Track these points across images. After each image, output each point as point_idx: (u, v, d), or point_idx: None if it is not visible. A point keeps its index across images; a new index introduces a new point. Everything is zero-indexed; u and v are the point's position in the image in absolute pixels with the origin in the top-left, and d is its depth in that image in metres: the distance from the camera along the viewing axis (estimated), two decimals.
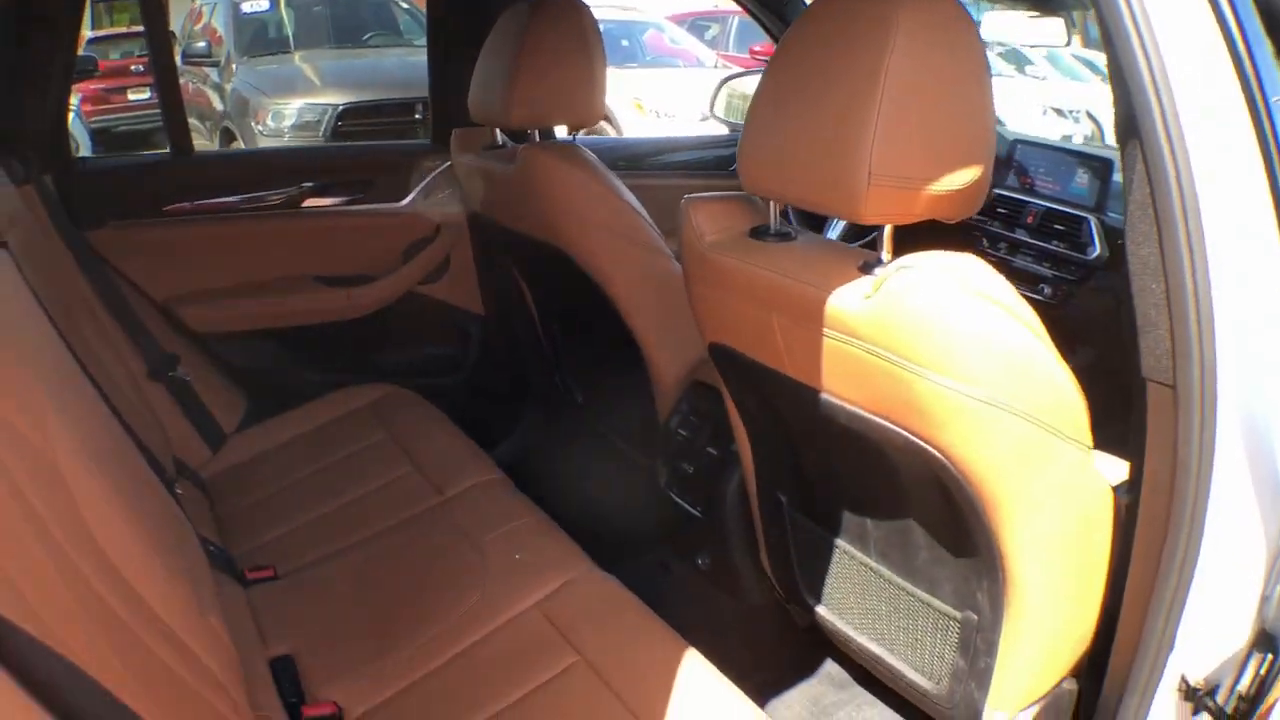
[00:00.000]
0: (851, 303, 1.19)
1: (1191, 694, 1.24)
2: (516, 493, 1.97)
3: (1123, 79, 1.05)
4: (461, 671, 1.51)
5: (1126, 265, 1.12)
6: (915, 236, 1.24)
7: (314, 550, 1.87)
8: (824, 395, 1.33)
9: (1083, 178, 2.20)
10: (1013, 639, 1.31)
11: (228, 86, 8.19)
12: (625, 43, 9.65)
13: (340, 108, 7.25)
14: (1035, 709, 1.37)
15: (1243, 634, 1.25)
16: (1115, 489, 1.27)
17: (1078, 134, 6.50)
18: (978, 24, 1.22)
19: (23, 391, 1.16)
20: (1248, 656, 1.25)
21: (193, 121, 7.06)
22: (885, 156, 1.12)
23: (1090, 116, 6.47)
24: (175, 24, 8.80)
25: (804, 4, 2.68)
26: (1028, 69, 9.57)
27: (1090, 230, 2.10)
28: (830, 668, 1.93)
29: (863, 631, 1.62)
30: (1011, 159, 2.36)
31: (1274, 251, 1.09)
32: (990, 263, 1.17)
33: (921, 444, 1.21)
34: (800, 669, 1.93)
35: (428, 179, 2.72)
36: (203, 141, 8.37)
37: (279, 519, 1.99)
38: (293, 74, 7.92)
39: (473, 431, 2.24)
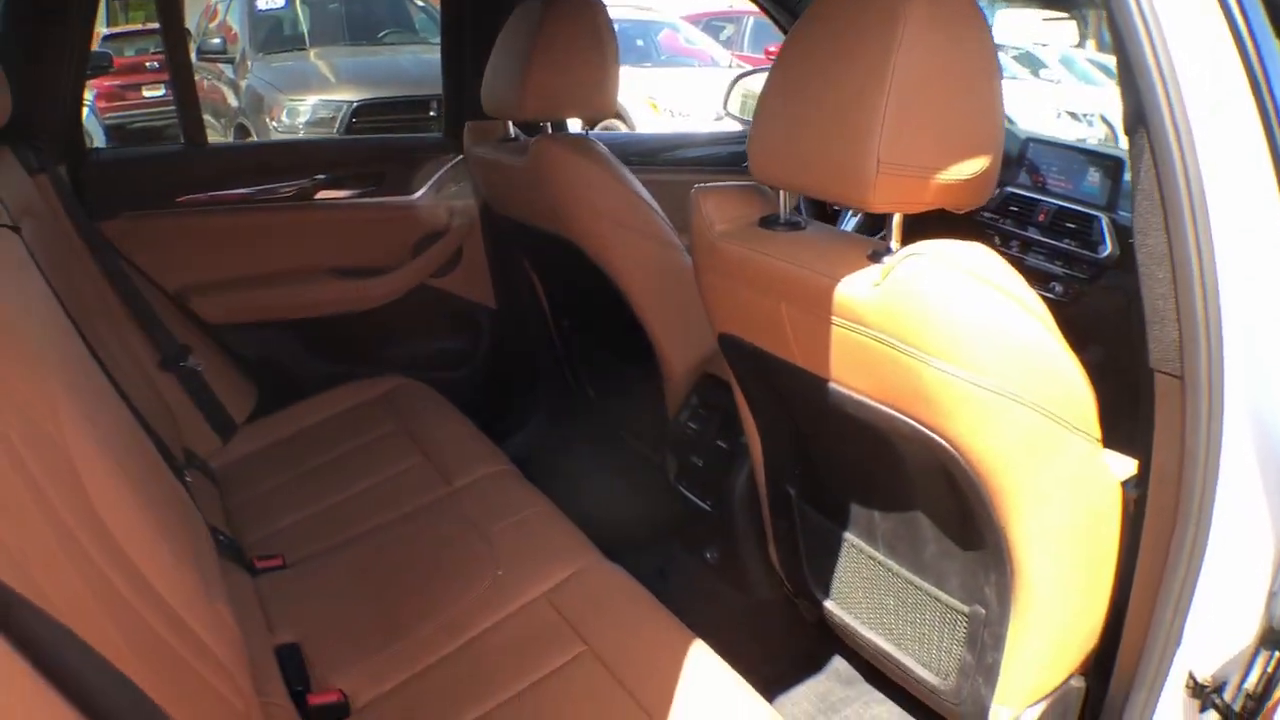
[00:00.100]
0: (859, 290, 1.19)
1: (1199, 691, 1.24)
2: (525, 483, 1.97)
3: (1130, 71, 1.05)
4: (468, 660, 1.51)
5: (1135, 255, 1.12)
6: (926, 233, 1.24)
7: (322, 540, 1.88)
8: (832, 384, 1.33)
9: (1094, 176, 2.20)
10: (1020, 634, 1.31)
11: (242, 83, 8.21)
12: (640, 42, 9.65)
13: (355, 104, 7.25)
14: (1042, 706, 1.37)
15: (1250, 631, 1.24)
16: (1124, 484, 1.27)
17: (1091, 138, 6.47)
18: (990, 23, 1.22)
19: (32, 374, 1.17)
20: (1255, 654, 1.24)
21: (207, 118, 7.09)
22: (894, 144, 1.12)
23: (1104, 120, 6.44)
24: (190, 21, 8.84)
25: None
26: (1042, 72, 9.54)
27: (1102, 229, 2.10)
28: (838, 664, 1.93)
29: (870, 626, 1.61)
30: (1024, 157, 2.36)
31: None
32: None
33: (929, 433, 1.21)
34: (808, 665, 1.93)
35: (440, 172, 2.73)
36: (217, 137, 8.37)
37: (288, 509, 2.00)
38: (308, 71, 7.94)
39: (483, 425, 2.25)
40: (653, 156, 3.15)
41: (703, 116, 7.85)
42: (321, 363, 2.66)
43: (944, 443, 1.19)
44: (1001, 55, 1.23)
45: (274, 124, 7.45)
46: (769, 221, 1.42)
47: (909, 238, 1.24)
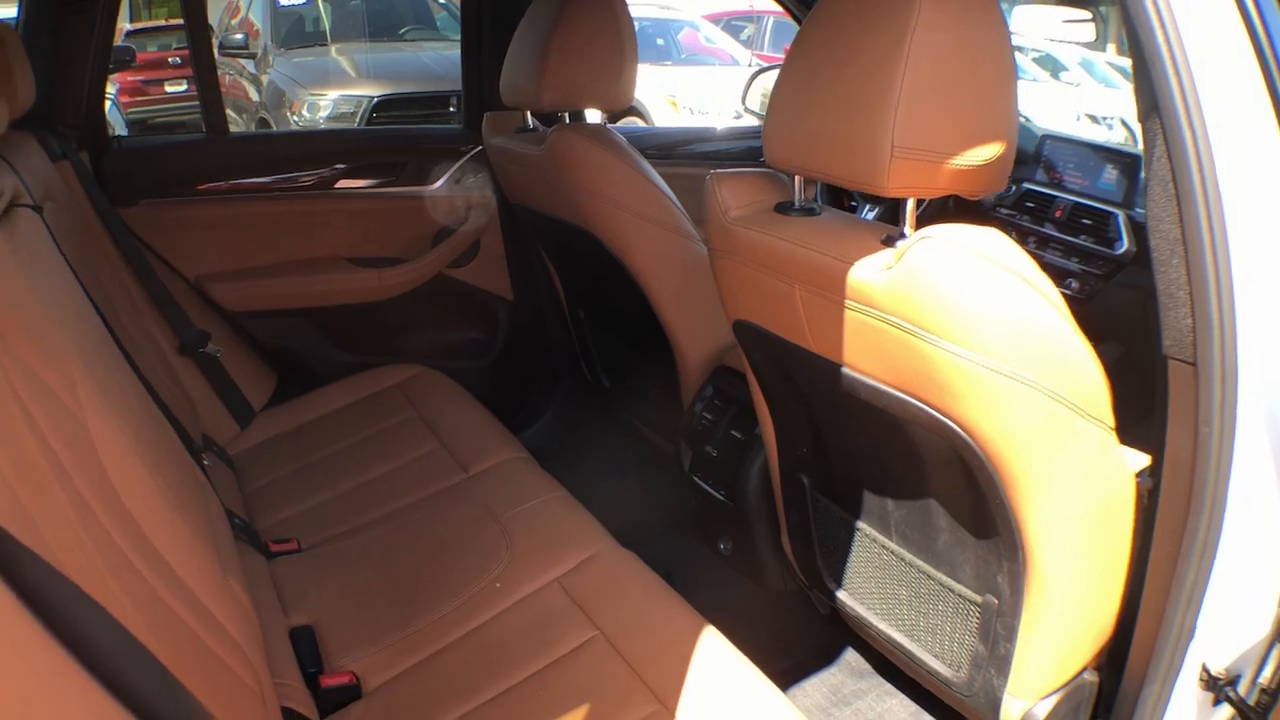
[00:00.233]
0: (872, 274, 1.19)
1: (1212, 683, 1.23)
2: (540, 470, 1.98)
3: (1144, 58, 1.05)
4: (480, 644, 1.52)
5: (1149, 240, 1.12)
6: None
7: (338, 524, 1.89)
8: (845, 369, 1.33)
9: (1111, 173, 2.19)
10: (1033, 624, 1.30)
11: (264, 78, 8.26)
12: (660, 41, 9.65)
13: (375, 99, 7.29)
14: (1055, 698, 1.36)
15: (1265, 624, 1.24)
16: (1137, 474, 1.26)
17: (1111, 141, 6.45)
18: (1008, 19, 1.22)
19: (52, 349, 1.18)
20: (1270, 647, 1.24)
21: (229, 113, 7.12)
22: (908, 128, 1.12)
23: (1124, 124, 6.41)
24: (213, 17, 8.89)
25: None
26: (1062, 75, 9.51)
27: (1118, 225, 2.09)
28: (851, 656, 1.93)
29: (883, 617, 1.61)
30: (1040, 154, 2.36)
31: None
32: None
33: (941, 418, 1.20)
34: (821, 657, 1.93)
35: (459, 163, 2.74)
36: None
37: (304, 494, 2.01)
38: (329, 66, 7.98)
39: (499, 415, 2.25)
40: (670, 151, 3.16)
41: (722, 115, 7.84)
42: (339, 351, 2.68)
43: (956, 428, 1.19)
44: (1021, 57, 1.23)
45: (295, 118, 7.49)
46: (784, 207, 1.42)
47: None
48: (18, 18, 2.28)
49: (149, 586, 1.10)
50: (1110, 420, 1.20)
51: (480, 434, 2.13)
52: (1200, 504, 1.11)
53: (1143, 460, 1.28)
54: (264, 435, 2.29)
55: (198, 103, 2.69)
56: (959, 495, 1.34)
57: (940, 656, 1.51)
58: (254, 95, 8.46)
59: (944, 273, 1.12)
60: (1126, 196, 2.14)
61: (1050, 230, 2.24)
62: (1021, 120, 1.84)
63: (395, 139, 3.00)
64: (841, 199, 2.59)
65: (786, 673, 1.85)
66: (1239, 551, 1.15)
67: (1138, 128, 1.14)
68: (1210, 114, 1.03)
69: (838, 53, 1.21)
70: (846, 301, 1.24)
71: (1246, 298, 1.05)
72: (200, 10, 2.78)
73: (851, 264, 1.22)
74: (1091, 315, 1.94)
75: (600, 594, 1.55)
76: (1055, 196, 2.26)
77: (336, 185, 2.71)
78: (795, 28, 2.87)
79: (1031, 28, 2.59)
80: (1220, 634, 1.21)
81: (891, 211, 2.31)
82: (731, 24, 12.18)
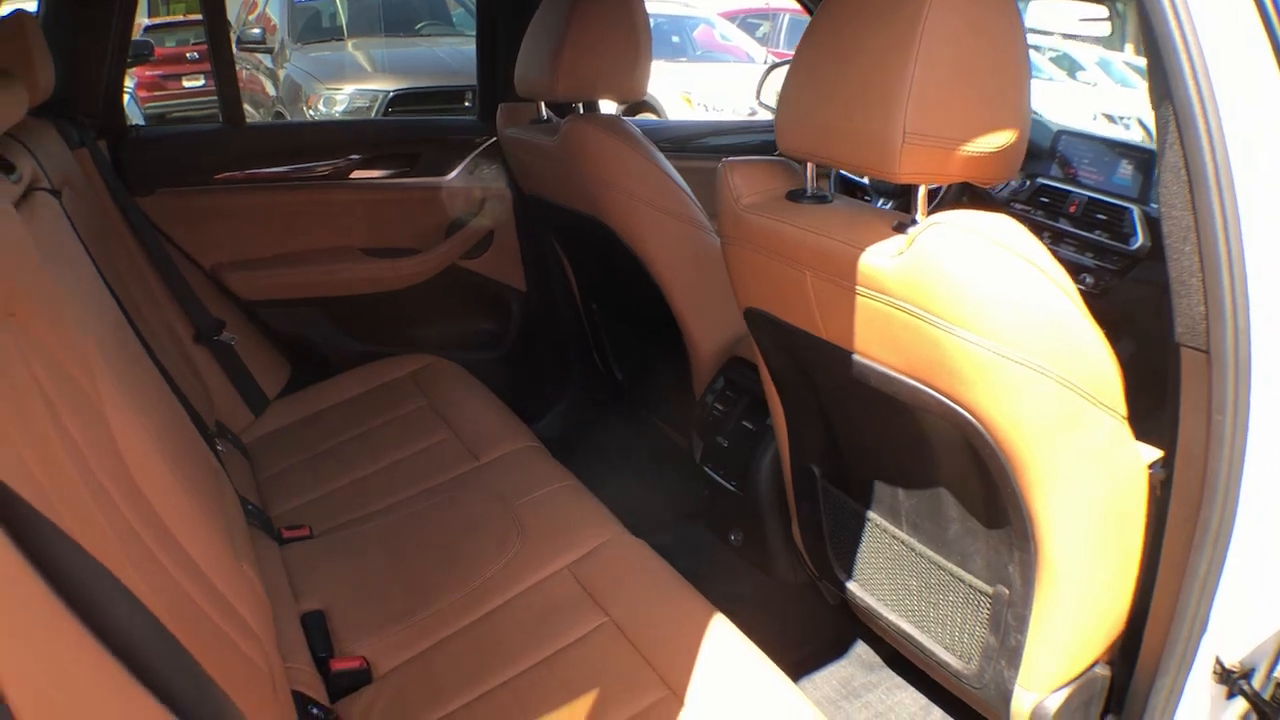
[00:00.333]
0: (883, 259, 1.19)
1: (1226, 677, 1.23)
2: (551, 460, 1.98)
3: (1156, 46, 1.05)
4: (489, 630, 1.52)
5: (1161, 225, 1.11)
6: None
7: (350, 511, 1.90)
8: (856, 356, 1.33)
9: (1126, 169, 2.18)
10: (1044, 615, 1.30)
11: (281, 73, 8.30)
12: (676, 38, 9.66)
13: (391, 94, 7.32)
14: (1066, 691, 1.36)
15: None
16: (1150, 466, 1.25)
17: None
18: (1023, 12, 1.21)
19: (68, 331, 1.19)
20: None
21: (246, 107, 7.15)
22: (920, 114, 1.12)
23: (1141, 124, 6.38)
24: (230, 13, 8.93)
25: None
26: (1079, 74, 9.47)
27: (1133, 220, 2.08)
28: (861, 649, 1.92)
29: (893, 608, 1.61)
30: (1055, 149, 2.35)
31: None
32: None
33: (951, 404, 1.20)
34: (831, 649, 1.93)
35: (473, 154, 2.74)
36: None
37: (317, 481, 2.02)
38: (345, 61, 8.03)
39: (511, 406, 2.26)
40: (684, 144, 3.16)
41: (737, 112, 7.84)
42: (352, 341, 2.68)
43: (967, 414, 1.19)
44: (1038, 56, 1.23)
45: (311, 112, 7.53)
46: (796, 195, 1.42)
47: None
48: (39, 9, 2.30)
49: (162, 567, 1.10)
50: (1123, 409, 1.20)
51: (492, 423, 2.13)
52: (1213, 493, 1.10)
53: (1156, 454, 1.27)
54: (277, 423, 2.30)
55: (214, 98, 2.70)
56: (970, 484, 1.34)
57: (951, 648, 1.51)
58: (271, 90, 8.51)
59: (955, 258, 1.11)
60: (1142, 192, 2.13)
61: (1064, 225, 2.23)
62: (1035, 117, 1.83)
63: (410, 130, 3.01)
64: (856, 195, 2.59)
65: (796, 665, 1.84)
66: (1253, 542, 1.14)
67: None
68: (1223, 99, 1.03)
69: (850, 39, 1.20)
70: (857, 287, 1.24)
71: (1260, 284, 1.04)
72: (219, 2, 2.80)
73: (863, 250, 1.22)
74: (1106, 311, 1.92)
75: (610, 581, 1.55)
76: (1070, 191, 2.25)
77: (351, 175, 2.71)
78: None
79: (1047, 23, 2.58)
80: (1234, 627, 1.20)
81: (905, 206, 2.31)
82: (747, 21, 12.17)
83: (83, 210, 1.90)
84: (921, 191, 1.23)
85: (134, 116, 9.28)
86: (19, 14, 1.89)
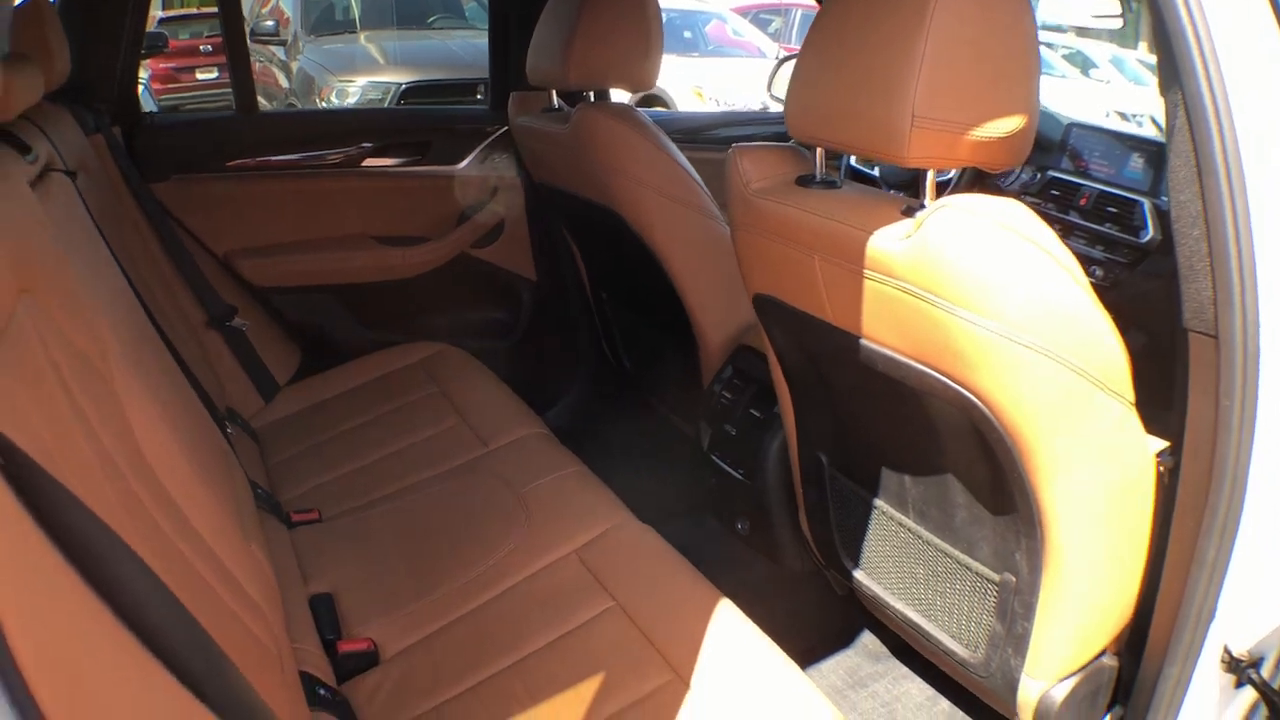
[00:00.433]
0: (891, 243, 1.19)
1: (1234, 665, 1.22)
2: (560, 446, 1.98)
3: (1165, 32, 1.04)
4: (496, 614, 1.52)
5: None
6: None
7: (358, 496, 1.90)
8: (864, 341, 1.33)
9: (1137, 162, 2.18)
10: (1051, 603, 1.29)
11: (294, 65, 8.31)
12: (688, 33, 9.65)
13: (403, 87, 7.31)
14: (1073, 681, 1.36)
15: None
16: (1158, 455, 1.25)
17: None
18: (1035, 6, 1.21)
19: (82, 309, 1.20)
20: None
21: (259, 99, 7.18)
22: (929, 99, 1.12)
23: (1154, 121, 6.35)
24: (244, 6, 8.95)
25: None
26: (1092, 72, 9.44)
27: (1144, 213, 2.07)
28: (867, 638, 1.92)
29: (900, 597, 1.61)
30: (1066, 142, 2.34)
31: None
32: None
33: (958, 388, 1.20)
34: (837, 639, 1.93)
35: (485, 143, 2.75)
36: None
37: (327, 466, 2.02)
38: (358, 53, 8.03)
39: (521, 395, 2.26)
40: (695, 135, 3.15)
41: (748, 106, 7.83)
42: (363, 329, 2.69)
43: (973, 398, 1.19)
44: (1051, 54, 1.23)
45: (323, 105, 7.53)
46: (805, 180, 1.42)
47: None
48: None
49: (171, 543, 1.11)
50: (1130, 395, 1.19)
51: (500, 410, 2.13)
52: (1221, 479, 1.10)
53: (1164, 444, 1.27)
54: (288, 409, 2.31)
55: (228, 90, 2.71)
56: (977, 471, 1.34)
57: (957, 636, 1.50)
58: (284, 82, 8.52)
59: (962, 241, 1.11)
60: (1152, 185, 2.12)
61: (1075, 218, 2.22)
62: (1047, 111, 1.81)
63: (422, 119, 3.01)
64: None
65: (803, 654, 1.84)
66: (1262, 529, 1.14)
67: None
68: (1232, 83, 1.02)
69: (860, 23, 1.20)
70: (865, 271, 1.24)
71: (1268, 268, 1.04)
72: None
73: (870, 233, 1.22)
74: (1116, 303, 1.92)
75: (617, 566, 1.56)
76: (1081, 184, 2.24)
77: (364, 163, 2.72)
78: None
79: (1060, 16, 2.57)
80: (1243, 615, 1.20)
81: (914, 193, 2.31)
82: (759, 17, 12.16)
83: (97, 195, 1.91)
84: (930, 176, 1.22)
85: (148, 108, 9.31)
86: (37, 0, 1.90)
